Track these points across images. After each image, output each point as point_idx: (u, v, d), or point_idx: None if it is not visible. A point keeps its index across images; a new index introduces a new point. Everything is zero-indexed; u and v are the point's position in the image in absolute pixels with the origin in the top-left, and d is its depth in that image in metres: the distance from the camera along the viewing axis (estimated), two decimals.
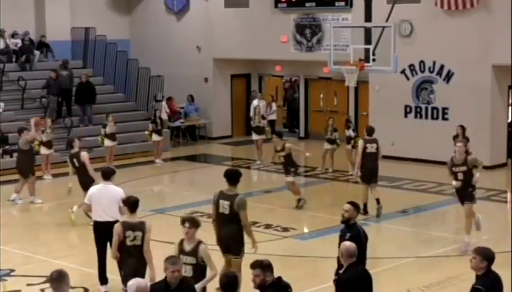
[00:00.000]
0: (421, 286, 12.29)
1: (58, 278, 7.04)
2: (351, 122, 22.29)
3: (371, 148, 16.98)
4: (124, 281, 10.27)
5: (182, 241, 9.42)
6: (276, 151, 18.18)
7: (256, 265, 7.66)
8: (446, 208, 18.25)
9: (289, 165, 17.96)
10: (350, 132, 21.45)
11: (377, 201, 16.88)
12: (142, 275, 9.71)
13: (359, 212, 10.20)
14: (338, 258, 9.51)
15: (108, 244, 11.26)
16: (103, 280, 12.02)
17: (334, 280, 8.95)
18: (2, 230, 15.45)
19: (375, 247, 14.88)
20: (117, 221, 10.92)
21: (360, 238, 9.55)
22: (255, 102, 25.79)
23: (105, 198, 11.89)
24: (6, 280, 12.83)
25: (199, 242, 9.34)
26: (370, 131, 17.33)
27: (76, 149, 16.41)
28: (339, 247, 8.82)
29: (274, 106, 28.15)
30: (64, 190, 16.86)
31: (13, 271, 13.20)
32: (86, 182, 15.50)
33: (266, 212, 17.09)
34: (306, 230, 16.46)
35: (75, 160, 16.28)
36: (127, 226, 10.29)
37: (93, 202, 12.01)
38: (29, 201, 18.35)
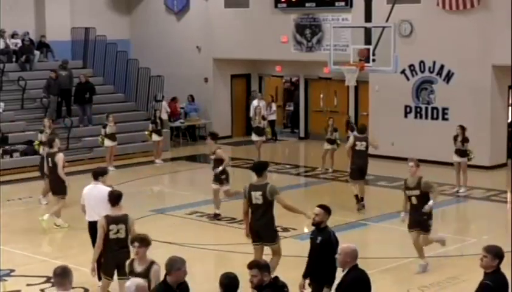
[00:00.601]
0: (421, 286, 12.29)
1: (62, 274, 7.10)
2: (353, 123, 22.02)
3: (360, 145, 17.28)
4: (104, 272, 10.78)
5: (132, 262, 9.13)
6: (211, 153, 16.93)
7: (254, 265, 7.65)
8: (446, 208, 18.25)
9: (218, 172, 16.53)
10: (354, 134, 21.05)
11: (361, 198, 17.18)
12: (124, 267, 9.69)
13: (330, 215, 9.82)
14: (309, 261, 9.77)
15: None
16: (100, 277, 12.05)
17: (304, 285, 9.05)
18: (2, 230, 15.47)
19: (375, 247, 14.90)
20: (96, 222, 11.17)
21: (331, 243, 9.51)
22: (254, 102, 25.80)
23: (94, 198, 12.00)
24: (6, 280, 12.83)
25: (152, 263, 8.92)
26: (362, 129, 17.80)
27: (55, 149, 16.37)
28: (310, 249, 9.60)
29: (274, 106, 28.16)
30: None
31: (13, 271, 13.19)
32: (55, 184, 16.11)
33: None
34: (306, 230, 16.43)
35: (50, 159, 16.33)
36: (110, 220, 10.51)
37: (85, 203, 12.16)
38: (38, 198, 18.21)
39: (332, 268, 9.23)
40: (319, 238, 9.57)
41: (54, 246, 15.15)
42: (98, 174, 12.25)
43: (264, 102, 26.47)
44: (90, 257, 10.94)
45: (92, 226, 11.89)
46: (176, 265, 7.68)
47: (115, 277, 10.77)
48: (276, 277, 7.73)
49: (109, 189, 11.86)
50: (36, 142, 20.89)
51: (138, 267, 8.93)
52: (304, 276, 9.84)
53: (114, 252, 10.54)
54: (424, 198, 12.82)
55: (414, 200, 12.94)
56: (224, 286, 7.38)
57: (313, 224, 9.74)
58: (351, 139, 17.56)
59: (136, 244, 8.98)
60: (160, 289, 7.76)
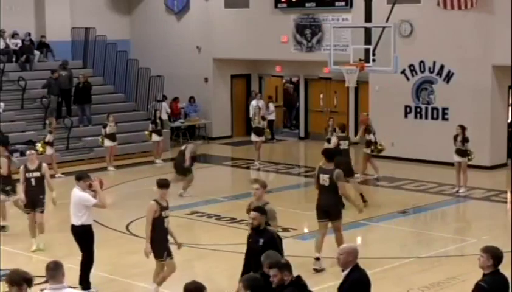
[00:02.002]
0: (421, 286, 12.29)
1: (55, 268, 7.32)
2: (372, 126, 21.37)
3: (344, 144, 17.62)
4: (156, 255, 11.46)
5: None
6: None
7: (274, 265, 7.65)
8: (446, 208, 18.26)
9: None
10: (371, 137, 20.49)
11: (361, 195, 17.30)
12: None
13: (266, 215, 9.86)
14: (246, 263, 9.70)
15: (80, 247, 12.16)
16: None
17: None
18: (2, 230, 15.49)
19: (375, 247, 14.90)
20: (82, 226, 12.00)
21: (275, 242, 9.47)
22: (253, 103, 25.81)
23: (71, 202, 12.26)
24: None
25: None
26: (343, 128, 18.24)
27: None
28: (248, 253, 9.59)
29: (272, 106, 28.07)
30: (64, 190, 16.78)
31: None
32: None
33: None
34: (306, 230, 16.44)
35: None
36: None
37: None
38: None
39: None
40: (261, 240, 9.50)
41: (54, 246, 15.12)
42: (76, 178, 12.39)
43: (263, 102, 26.47)
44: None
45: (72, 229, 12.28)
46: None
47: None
48: (298, 276, 7.68)
49: (79, 194, 12.06)
50: (41, 143, 20.96)
51: None
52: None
53: (165, 235, 11.40)
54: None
55: None
56: (251, 288, 7.24)
57: (252, 228, 9.73)
58: (335, 139, 17.72)
59: None
60: None
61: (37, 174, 14.55)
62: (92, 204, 12.01)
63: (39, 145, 21.35)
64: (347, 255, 7.99)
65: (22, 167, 14.74)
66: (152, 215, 11.31)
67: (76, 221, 12.11)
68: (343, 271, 7.99)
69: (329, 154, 13.47)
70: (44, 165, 14.86)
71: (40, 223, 14.61)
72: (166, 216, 11.43)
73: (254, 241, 9.64)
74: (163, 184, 11.51)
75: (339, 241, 12.97)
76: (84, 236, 12.14)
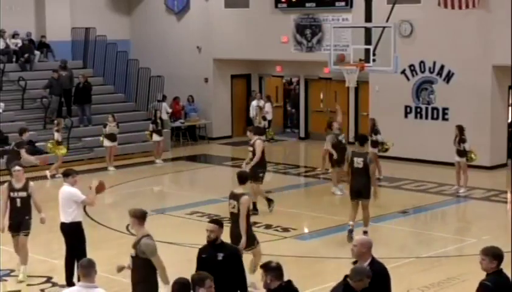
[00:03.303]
0: (421, 286, 12.28)
1: (88, 266, 7.41)
2: (377, 126, 21.32)
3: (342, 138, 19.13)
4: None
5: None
6: None
7: (262, 267, 7.53)
8: (446, 208, 18.26)
9: None
10: (377, 137, 20.62)
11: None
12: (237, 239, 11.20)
13: (223, 228, 9.20)
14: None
15: (69, 245, 12.19)
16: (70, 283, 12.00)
17: None
18: None
19: (375, 247, 14.87)
20: (72, 223, 11.99)
21: (237, 257, 8.96)
22: (253, 103, 25.80)
23: (60, 199, 12.23)
24: (6, 280, 12.83)
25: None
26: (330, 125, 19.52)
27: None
28: (198, 269, 8.60)
29: (268, 106, 27.96)
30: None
31: (13, 271, 13.19)
32: None
33: (266, 212, 17.08)
34: (306, 230, 16.46)
35: None
36: (230, 195, 11.66)
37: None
38: None
39: (241, 284, 8.89)
40: (220, 255, 8.87)
41: (54, 246, 15.12)
42: (64, 175, 12.43)
43: (262, 102, 26.46)
44: (92, 258, 10.90)
45: (61, 226, 12.22)
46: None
47: None
48: (289, 281, 7.57)
49: (68, 190, 12.05)
50: (51, 142, 21.03)
51: None
52: None
53: (232, 224, 11.53)
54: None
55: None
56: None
57: (208, 242, 9.03)
58: (332, 137, 18.75)
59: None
60: None
61: (23, 194, 12.61)
62: (81, 200, 12.00)
63: (49, 145, 21.45)
64: (360, 246, 8.06)
65: (5, 185, 12.73)
66: (247, 209, 11.43)
67: (66, 218, 12.02)
68: (355, 262, 8.01)
69: (362, 139, 15.02)
70: (31, 184, 12.84)
71: (23, 247, 12.83)
72: None
73: (211, 256, 8.89)
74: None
75: (366, 219, 14.77)
76: (74, 233, 12.08)
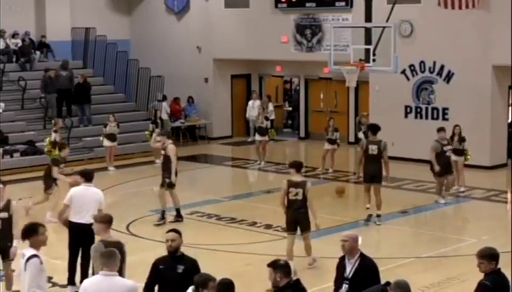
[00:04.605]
0: (421, 286, 12.27)
1: (109, 256, 7.70)
2: (364, 125, 21.42)
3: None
4: (287, 229, 13.14)
5: None
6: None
7: (269, 265, 7.49)
8: (446, 208, 18.25)
9: None
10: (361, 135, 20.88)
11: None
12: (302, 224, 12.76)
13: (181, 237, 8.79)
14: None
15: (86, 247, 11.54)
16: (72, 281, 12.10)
17: None
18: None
19: (375, 247, 14.89)
20: (90, 224, 10.82)
21: (198, 270, 8.31)
22: (250, 103, 25.75)
23: (89, 200, 12.02)
24: None
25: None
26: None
27: None
28: (160, 284, 8.42)
29: (271, 106, 27.94)
30: (63, 190, 16.74)
31: (13, 271, 13.16)
32: None
33: (266, 213, 17.08)
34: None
35: None
36: (291, 183, 12.71)
37: (73, 204, 12.17)
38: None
39: None
40: (181, 267, 8.44)
41: (54, 246, 15.11)
42: (86, 176, 12.18)
43: (258, 102, 26.44)
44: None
45: (77, 228, 11.92)
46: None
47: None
48: (297, 280, 7.56)
49: (97, 190, 12.02)
50: (48, 142, 20.93)
51: None
52: None
53: (294, 211, 12.65)
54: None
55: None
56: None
57: (169, 252, 8.60)
58: (437, 146, 18.70)
59: None
60: None
61: (4, 214, 11.11)
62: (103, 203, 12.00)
63: (46, 144, 21.36)
64: (352, 240, 8.14)
65: None
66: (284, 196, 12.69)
67: (89, 220, 11.32)
68: (342, 258, 8.02)
69: (374, 129, 16.32)
70: (14, 202, 11.42)
71: (8, 277, 11.52)
72: None
73: (170, 268, 8.47)
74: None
75: (378, 204, 16.11)
76: (91, 235, 11.88)
